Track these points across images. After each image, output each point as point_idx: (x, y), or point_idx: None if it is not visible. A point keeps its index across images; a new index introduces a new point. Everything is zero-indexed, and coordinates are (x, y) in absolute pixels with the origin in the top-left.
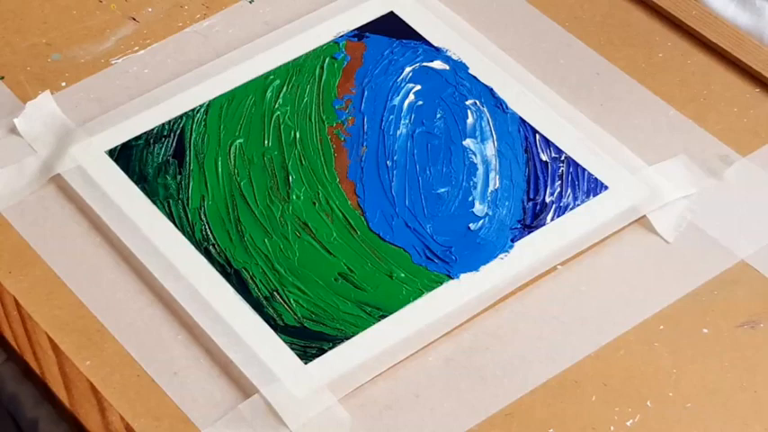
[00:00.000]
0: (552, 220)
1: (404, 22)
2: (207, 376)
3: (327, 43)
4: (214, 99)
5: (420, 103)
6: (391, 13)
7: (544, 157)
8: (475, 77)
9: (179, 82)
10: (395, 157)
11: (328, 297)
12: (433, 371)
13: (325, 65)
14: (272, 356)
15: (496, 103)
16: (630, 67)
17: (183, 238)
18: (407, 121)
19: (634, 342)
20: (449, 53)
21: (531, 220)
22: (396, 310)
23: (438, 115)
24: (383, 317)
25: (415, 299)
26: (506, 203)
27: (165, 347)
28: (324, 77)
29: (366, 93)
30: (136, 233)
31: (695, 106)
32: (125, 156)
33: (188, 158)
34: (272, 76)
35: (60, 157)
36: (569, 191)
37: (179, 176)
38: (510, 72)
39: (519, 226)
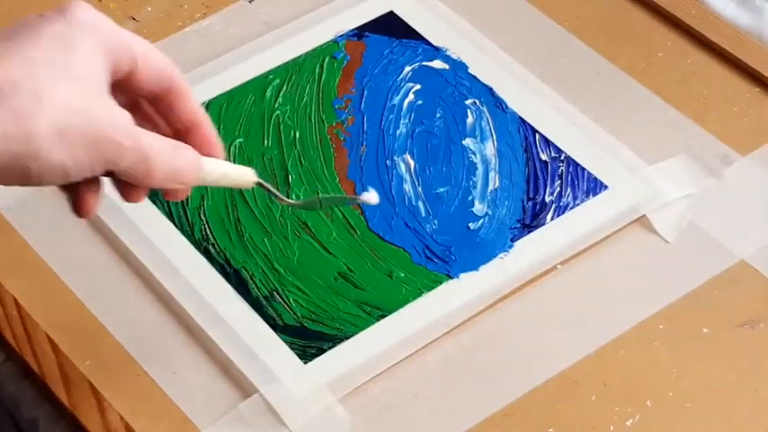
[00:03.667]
0: (552, 219)
1: (403, 21)
2: (207, 376)
3: (327, 43)
4: (213, 98)
5: (420, 102)
6: (391, 12)
7: (544, 157)
8: (474, 77)
9: None
10: (394, 157)
11: (328, 297)
12: (433, 371)
13: (324, 64)
14: (271, 356)
15: (496, 103)
16: (630, 67)
17: (183, 237)
18: (407, 121)
19: (634, 342)
20: (448, 53)
21: (531, 219)
22: (395, 310)
23: (438, 115)
24: (383, 316)
25: (414, 298)
26: (506, 203)
27: (164, 347)
28: (323, 77)
29: (366, 92)
30: (135, 233)
31: (695, 106)
32: None
33: None
34: (271, 76)
35: None
36: (569, 190)
37: None
38: (510, 72)
39: (519, 225)
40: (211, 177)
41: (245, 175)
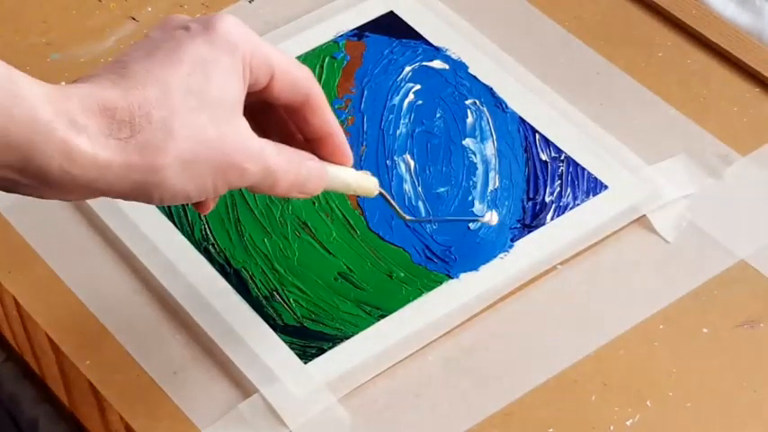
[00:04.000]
0: (552, 219)
1: (403, 21)
2: (207, 376)
3: (327, 43)
4: None
5: (420, 102)
6: (391, 12)
7: (544, 157)
8: (474, 77)
9: None
10: (394, 157)
11: (328, 297)
12: (433, 371)
13: (324, 64)
14: (271, 356)
15: (496, 103)
16: (630, 67)
17: (183, 237)
18: (407, 121)
19: (634, 342)
20: (448, 52)
21: (531, 219)
22: (395, 310)
23: (438, 115)
24: (383, 316)
25: (414, 298)
26: (506, 203)
27: (164, 347)
28: (323, 77)
29: (366, 92)
30: (135, 232)
31: (695, 106)
32: None
33: None
34: None
35: None
36: (569, 190)
37: None
38: (510, 72)
39: (519, 225)
40: (334, 185)
41: (368, 186)
